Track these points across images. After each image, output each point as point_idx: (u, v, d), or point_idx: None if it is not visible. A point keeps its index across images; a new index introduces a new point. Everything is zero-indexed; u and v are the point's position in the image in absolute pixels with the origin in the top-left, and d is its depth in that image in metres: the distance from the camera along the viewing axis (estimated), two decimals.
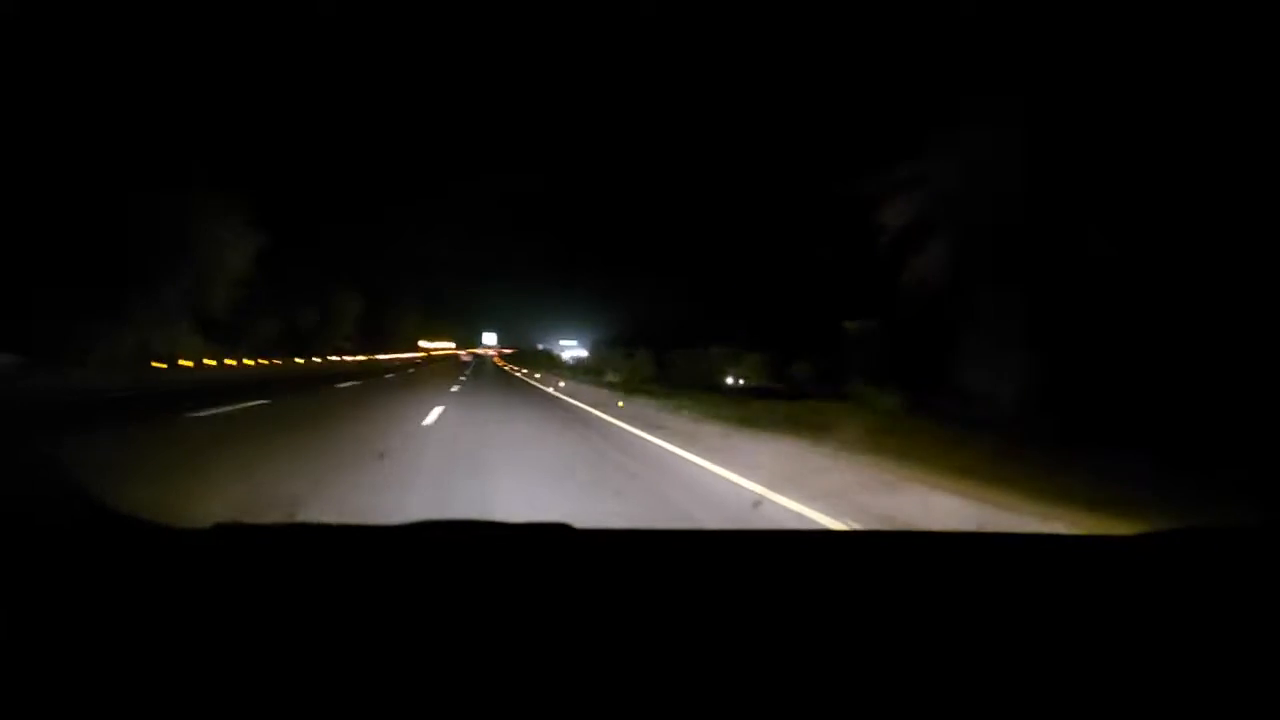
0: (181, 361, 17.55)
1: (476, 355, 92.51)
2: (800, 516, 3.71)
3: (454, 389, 15.17)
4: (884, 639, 0.74)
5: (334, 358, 34.32)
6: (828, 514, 3.71)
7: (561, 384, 20.04)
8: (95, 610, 0.69)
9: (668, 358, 24.88)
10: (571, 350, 46.16)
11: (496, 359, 75.18)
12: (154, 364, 16.40)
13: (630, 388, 17.40)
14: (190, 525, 0.95)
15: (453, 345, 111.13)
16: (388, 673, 0.61)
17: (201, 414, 7.35)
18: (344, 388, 13.88)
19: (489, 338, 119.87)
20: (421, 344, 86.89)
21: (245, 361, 21.89)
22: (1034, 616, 0.81)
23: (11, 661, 0.60)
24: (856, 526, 3.50)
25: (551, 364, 44.20)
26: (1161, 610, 0.83)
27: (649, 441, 6.95)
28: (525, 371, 34.74)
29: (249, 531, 0.95)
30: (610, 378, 21.96)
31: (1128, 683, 0.66)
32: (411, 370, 28.32)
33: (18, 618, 0.66)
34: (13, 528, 0.83)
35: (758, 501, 4.09)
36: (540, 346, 60.89)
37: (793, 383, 17.19)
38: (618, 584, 0.87)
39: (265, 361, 23.69)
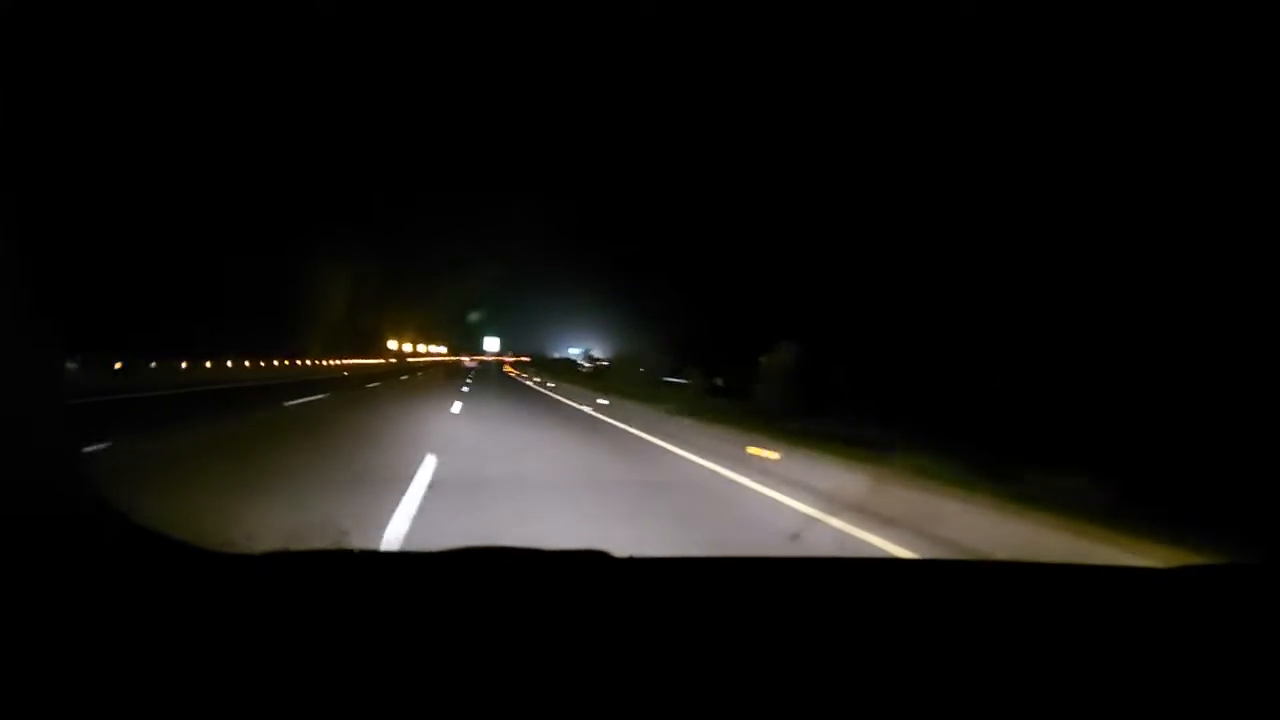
0: None
1: (483, 362, 76.79)
2: None
3: None
4: (930, 671, 0.74)
5: None
6: None
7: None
8: (147, 640, 0.69)
9: None
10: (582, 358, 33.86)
11: (509, 369, 57.26)
12: None
13: None
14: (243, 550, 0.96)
15: (444, 350, 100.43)
16: (433, 699, 0.62)
17: None
18: None
19: (491, 343, 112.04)
20: (392, 345, 64.27)
21: None
22: (1081, 648, 0.81)
23: (64, 686, 0.60)
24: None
25: (626, 381, 23.75)
26: (1206, 643, 0.84)
27: None
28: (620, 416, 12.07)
29: (297, 559, 0.97)
30: None
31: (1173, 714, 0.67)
32: None
33: (70, 641, 0.66)
34: (69, 551, 0.83)
35: None
36: (577, 352, 47.44)
37: None
38: (655, 612, 0.88)
39: None
